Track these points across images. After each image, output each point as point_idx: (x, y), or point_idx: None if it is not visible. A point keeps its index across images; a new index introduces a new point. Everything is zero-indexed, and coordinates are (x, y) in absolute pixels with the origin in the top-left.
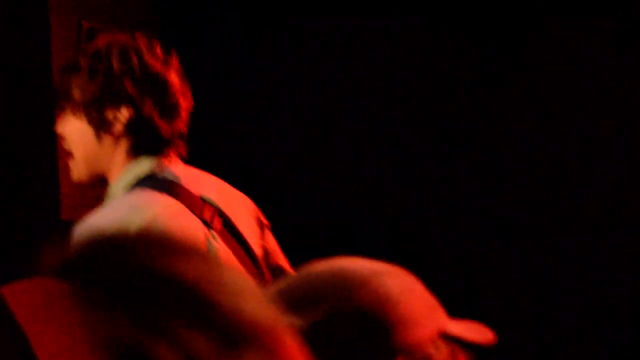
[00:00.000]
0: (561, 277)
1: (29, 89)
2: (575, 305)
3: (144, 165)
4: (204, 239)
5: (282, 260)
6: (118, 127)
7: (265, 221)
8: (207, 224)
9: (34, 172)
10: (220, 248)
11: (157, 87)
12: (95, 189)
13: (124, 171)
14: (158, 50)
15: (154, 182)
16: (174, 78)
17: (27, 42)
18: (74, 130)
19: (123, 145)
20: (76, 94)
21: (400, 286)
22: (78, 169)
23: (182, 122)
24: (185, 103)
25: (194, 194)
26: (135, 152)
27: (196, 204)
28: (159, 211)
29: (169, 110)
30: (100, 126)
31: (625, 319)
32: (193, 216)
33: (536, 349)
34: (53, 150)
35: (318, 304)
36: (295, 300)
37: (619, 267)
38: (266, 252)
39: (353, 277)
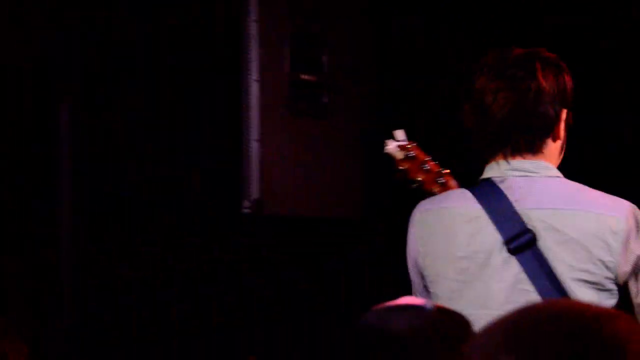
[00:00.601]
0: None
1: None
2: None
3: (494, 169)
4: (472, 259)
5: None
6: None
7: (634, 251)
8: (504, 237)
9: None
10: (503, 260)
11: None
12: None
13: (486, 170)
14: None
15: (483, 184)
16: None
17: None
18: None
19: (491, 149)
20: None
21: (630, 328)
22: None
23: (554, 137)
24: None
25: (510, 206)
26: (492, 155)
27: (503, 215)
28: (436, 207)
29: (539, 122)
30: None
31: None
32: (469, 228)
33: None
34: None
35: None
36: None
37: None
38: (624, 276)
39: (581, 319)
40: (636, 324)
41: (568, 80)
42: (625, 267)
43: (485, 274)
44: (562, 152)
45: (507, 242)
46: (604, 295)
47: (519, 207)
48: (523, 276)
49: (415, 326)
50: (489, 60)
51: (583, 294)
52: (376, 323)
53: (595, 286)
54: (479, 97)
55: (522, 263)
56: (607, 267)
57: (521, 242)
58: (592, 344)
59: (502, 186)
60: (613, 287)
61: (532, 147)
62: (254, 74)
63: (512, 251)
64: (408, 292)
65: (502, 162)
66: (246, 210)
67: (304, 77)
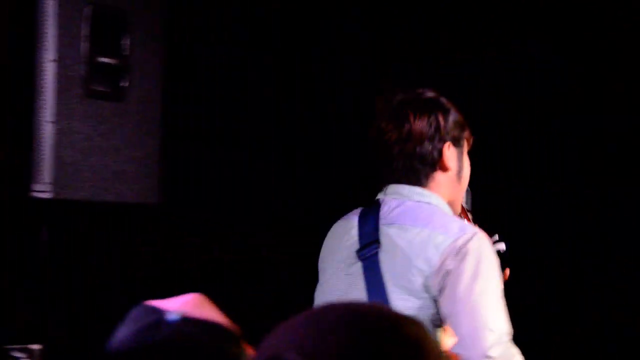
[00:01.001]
0: None
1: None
2: None
3: (382, 192)
4: (340, 263)
5: (447, 307)
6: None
7: (447, 267)
8: (359, 250)
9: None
10: (352, 270)
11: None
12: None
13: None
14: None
15: (368, 205)
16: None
17: None
18: None
19: (387, 179)
20: None
21: (424, 333)
22: None
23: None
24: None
25: (376, 222)
26: (384, 182)
27: (367, 229)
28: (341, 220)
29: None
30: None
31: None
32: (346, 238)
33: None
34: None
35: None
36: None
37: None
38: (434, 292)
39: (376, 319)
40: (428, 332)
41: (446, 117)
42: (436, 279)
43: (339, 277)
44: (462, 178)
45: (358, 251)
46: (419, 302)
47: (380, 223)
48: (360, 281)
49: (145, 340)
50: (383, 103)
51: (401, 299)
52: (118, 334)
53: (413, 294)
54: (376, 136)
55: (364, 270)
56: (423, 277)
57: (367, 251)
58: (389, 343)
59: (381, 206)
60: (428, 296)
61: (418, 180)
62: (50, 54)
63: (360, 259)
64: None
65: (388, 186)
66: (38, 194)
67: (103, 59)
